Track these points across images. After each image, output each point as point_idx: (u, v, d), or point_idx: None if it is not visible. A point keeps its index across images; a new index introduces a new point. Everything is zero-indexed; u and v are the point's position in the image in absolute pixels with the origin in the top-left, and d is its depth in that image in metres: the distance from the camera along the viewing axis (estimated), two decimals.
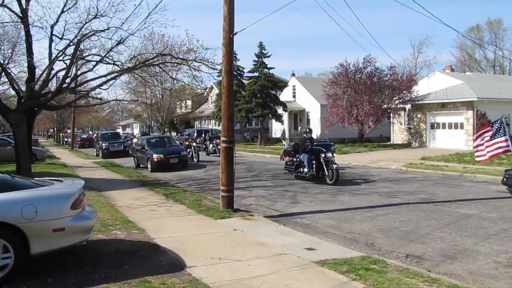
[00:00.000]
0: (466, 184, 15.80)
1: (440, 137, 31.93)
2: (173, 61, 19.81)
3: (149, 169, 22.89)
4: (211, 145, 33.48)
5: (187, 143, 29.66)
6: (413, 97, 33.82)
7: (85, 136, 62.20)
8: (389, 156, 26.72)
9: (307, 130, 18.07)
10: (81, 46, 18.19)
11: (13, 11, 17.30)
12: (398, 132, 36.96)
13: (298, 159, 17.40)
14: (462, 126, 30.07)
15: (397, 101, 34.50)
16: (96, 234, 8.28)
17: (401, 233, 8.97)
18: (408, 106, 34.80)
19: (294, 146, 18.62)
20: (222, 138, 11.28)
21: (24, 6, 17.02)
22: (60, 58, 18.15)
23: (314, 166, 16.58)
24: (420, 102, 33.12)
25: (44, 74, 18.43)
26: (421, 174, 19.03)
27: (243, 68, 46.82)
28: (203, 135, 37.47)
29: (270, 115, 43.67)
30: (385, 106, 35.03)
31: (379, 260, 6.87)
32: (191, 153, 27.88)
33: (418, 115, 33.91)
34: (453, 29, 53.75)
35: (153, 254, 7.22)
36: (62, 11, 17.50)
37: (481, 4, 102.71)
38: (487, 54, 65.93)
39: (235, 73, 43.19)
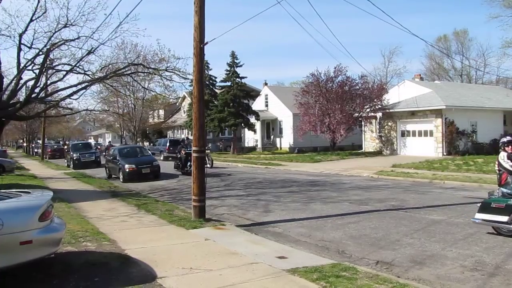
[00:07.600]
0: (435, 191, 16.10)
1: (411, 145, 32.49)
2: (145, 71, 19.74)
3: (121, 180, 22.65)
4: None
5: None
6: (384, 105, 34.37)
7: (55, 146, 60.60)
8: (361, 164, 27.07)
9: None
10: (51, 56, 18.03)
11: None
12: (370, 140, 37.48)
13: None
14: (431, 134, 30.66)
15: (368, 110, 35.03)
16: (66, 246, 8.15)
17: (371, 240, 9.09)
18: (379, 115, 35.33)
19: None
20: (194, 148, 11.30)
21: None
22: (29, 67, 17.93)
23: None
24: (390, 110, 33.67)
25: (13, 84, 18.17)
26: (392, 181, 19.31)
27: (216, 77, 46.99)
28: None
29: (242, 124, 43.74)
30: (356, 114, 35.53)
31: (349, 267, 6.95)
32: None
33: (389, 123, 34.45)
34: (421, 39, 55.14)
35: (124, 266, 7.15)
36: (31, 20, 17.29)
37: (448, 15, 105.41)
38: (454, 63, 67.82)
39: (207, 82, 43.26)
